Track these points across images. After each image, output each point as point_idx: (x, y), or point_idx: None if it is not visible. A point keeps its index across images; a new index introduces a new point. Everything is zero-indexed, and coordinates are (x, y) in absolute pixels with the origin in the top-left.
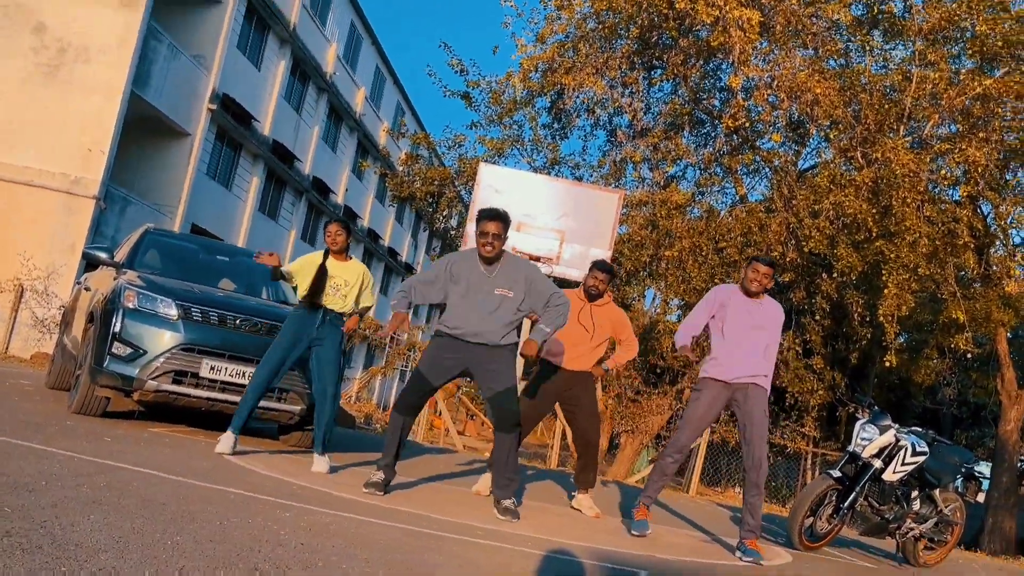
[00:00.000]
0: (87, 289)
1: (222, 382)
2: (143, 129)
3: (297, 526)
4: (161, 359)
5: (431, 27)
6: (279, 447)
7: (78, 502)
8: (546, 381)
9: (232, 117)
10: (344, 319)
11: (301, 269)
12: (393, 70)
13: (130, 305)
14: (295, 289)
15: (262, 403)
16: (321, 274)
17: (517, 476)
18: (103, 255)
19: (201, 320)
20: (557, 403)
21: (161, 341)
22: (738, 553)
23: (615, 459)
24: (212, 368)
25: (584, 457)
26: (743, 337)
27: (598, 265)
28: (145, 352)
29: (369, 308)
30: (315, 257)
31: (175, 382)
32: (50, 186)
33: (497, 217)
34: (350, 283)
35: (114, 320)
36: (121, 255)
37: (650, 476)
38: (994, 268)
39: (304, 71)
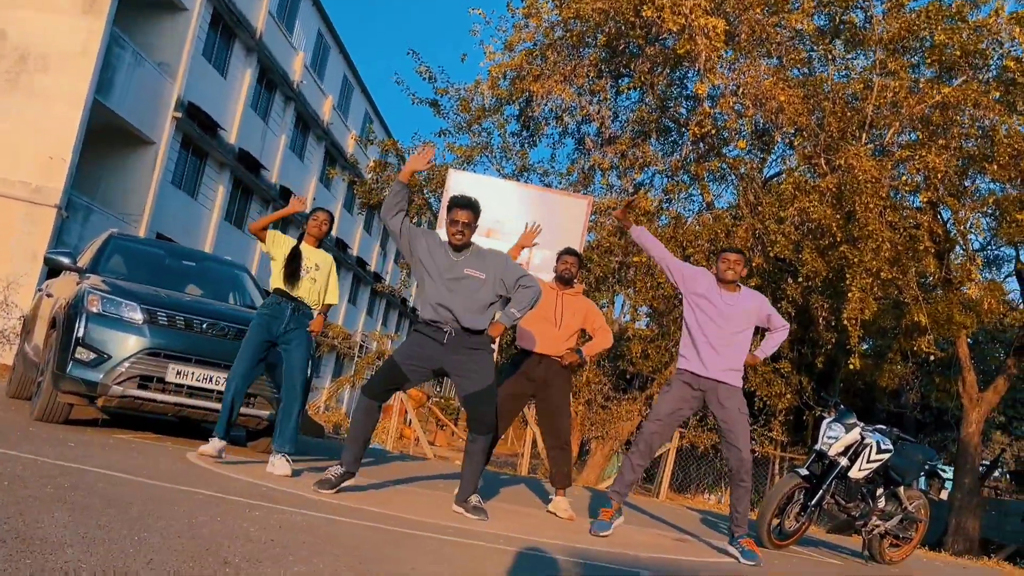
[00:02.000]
0: (49, 295)
1: (189, 387)
2: (107, 137)
3: (267, 524)
4: (126, 364)
5: (399, 35)
6: (248, 454)
7: (43, 501)
8: (519, 370)
9: (198, 125)
10: (311, 314)
11: (276, 239)
12: (361, 79)
13: (94, 309)
14: (269, 257)
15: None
16: (295, 254)
17: (479, 476)
18: (65, 260)
19: (167, 324)
20: (530, 402)
21: (126, 345)
22: (734, 550)
23: (585, 465)
24: (179, 373)
25: (557, 456)
26: (718, 333)
27: (565, 250)
28: (110, 357)
29: (332, 305)
30: (289, 241)
31: (141, 387)
32: (11, 195)
33: (468, 206)
34: (321, 268)
35: (77, 324)
36: (84, 260)
37: (620, 470)
38: (955, 273)
39: (271, 79)
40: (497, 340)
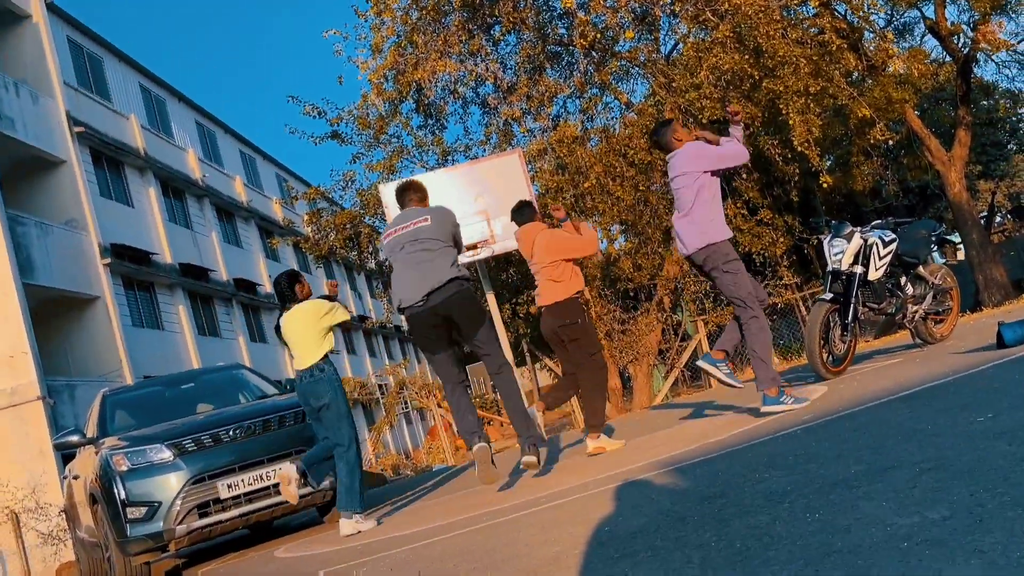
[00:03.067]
0: (76, 478)
1: (245, 494)
2: (52, 312)
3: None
4: (178, 502)
5: (270, 87)
6: (326, 529)
7: None
8: (543, 326)
9: (130, 261)
10: (324, 376)
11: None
12: (258, 147)
13: (123, 468)
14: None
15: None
16: (281, 338)
17: (532, 420)
18: (74, 438)
19: (196, 448)
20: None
21: (169, 486)
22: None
23: (632, 393)
24: (230, 486)
25: (586, 401)
26: (678, 203)
27: (512, 217)
28: (160, 503)
29: (347, 321)
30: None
31: (202, 516)
32: None
33: (412, 188)
34: (299, 332)
35: (116, 489)
36: (91, 430)
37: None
38: (874, 57)
39: (175, 187)
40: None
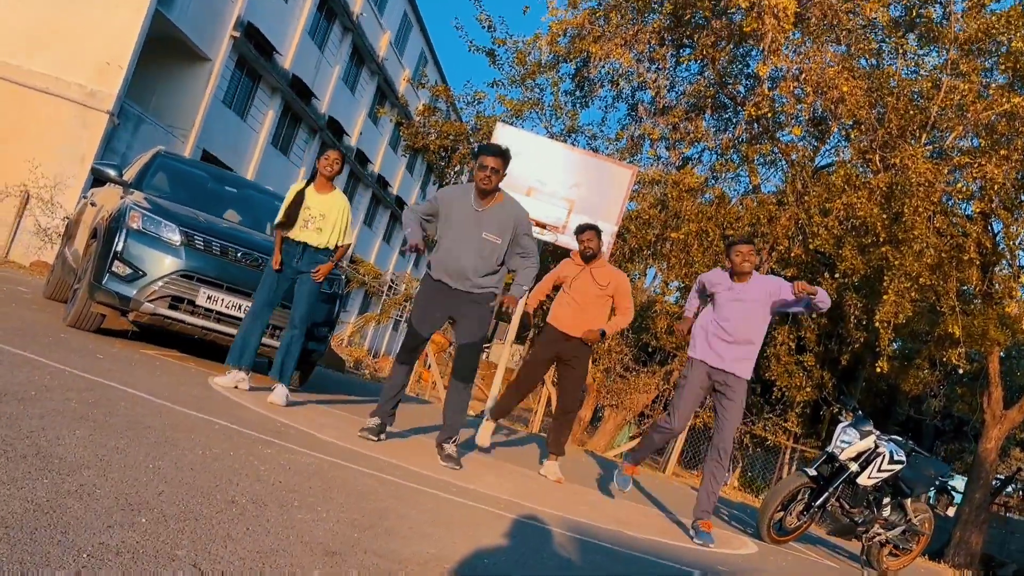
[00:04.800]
0: (93, 204)
1: (217, 312)
2: (164, 50)
3: (277, 463)
4: (160, 283)
5: None
6: (268, 383)
7: (65, 416)
8: (548, 344)
9: (254, 47)
10: (324, 254)
11: (289, 193)
12: (420, 17)
13: (134, 226)
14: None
15: (266, 340)
16: (297, 201)
17: (462, 424)
18: (112, 172)
19: (203, 249)
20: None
21: (161, 265)
22: (691, 533)
23: (596, 431)
24: (209, 297)
25: (560, 423)
26: (729, 324)
27: (580, 228)
28: (144, 274)
29: (348, 246)
30: (298, 185)
31: (171, 307)
32: (66, 96)
33: (498, 153)
34: (328, 217)
35: (117, 239)
36: (130, 175)
37: (641, 442)
38: (997, 287)
39: (331, 8)
40: (513, 309)
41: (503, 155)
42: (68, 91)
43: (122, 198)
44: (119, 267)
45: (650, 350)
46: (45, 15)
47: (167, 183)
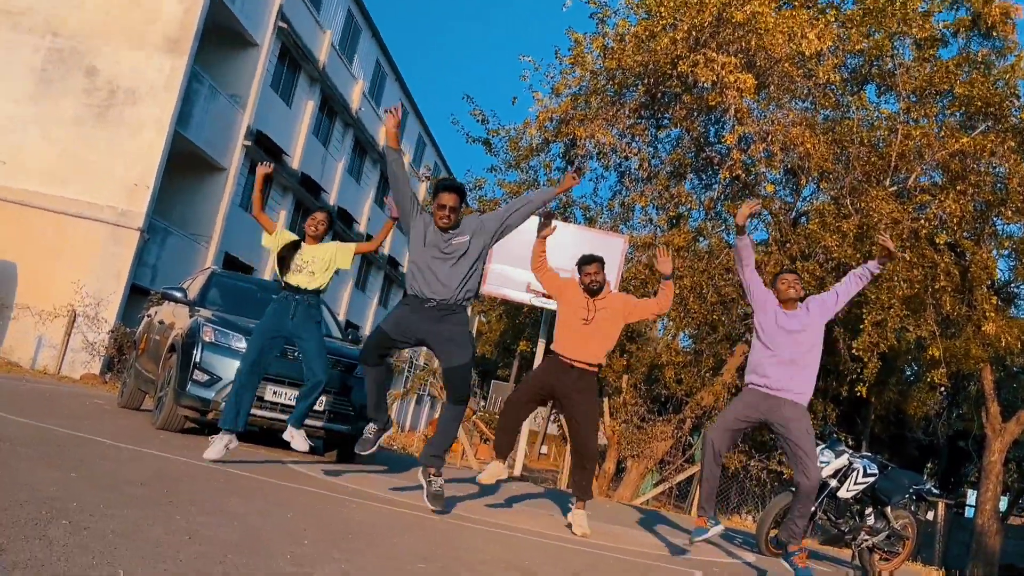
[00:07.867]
0: (161, 323)
1: (282, 404)
2: (183, 165)
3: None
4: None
5: (454, 65)
6: (256, 450)
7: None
8: (545, 374)
9: (264, 151)
10: (318, 303)
11: (282, 236)
12: (416, 105)
13: (207, 339)
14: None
15: (310, 423)
16: (293, 245)
17: (448, 450)
18: (178, 294)
19: None
20: (557, 405)
21: (233, 370)
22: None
23: (621, 482)
24: (275, 392)
25: (580, 466)
26: (790, 348)
27: (583, 260)
28: (221, 379)
29: (346, 269)
30: (293, 236)
31: None
32: (100, 218)
33: (454, 189)
34: (319, 260)
35: (195, 352)
36: (192, 293)
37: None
38: (976, 309)
39: (332, 107)
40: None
41: (459, 191)
42: (101, 214)
43: (191, 316)
44: (199, 375)
45: (663, 400)
46: (75, 144)
47: (222, 297)
